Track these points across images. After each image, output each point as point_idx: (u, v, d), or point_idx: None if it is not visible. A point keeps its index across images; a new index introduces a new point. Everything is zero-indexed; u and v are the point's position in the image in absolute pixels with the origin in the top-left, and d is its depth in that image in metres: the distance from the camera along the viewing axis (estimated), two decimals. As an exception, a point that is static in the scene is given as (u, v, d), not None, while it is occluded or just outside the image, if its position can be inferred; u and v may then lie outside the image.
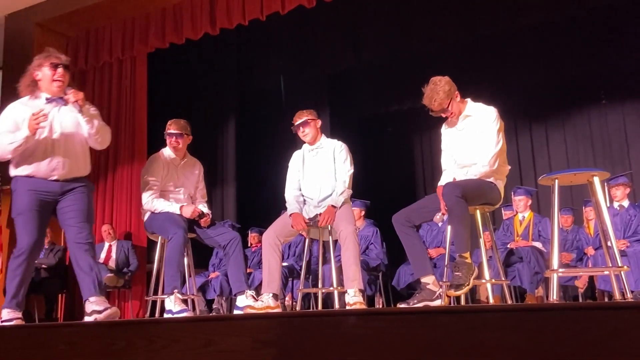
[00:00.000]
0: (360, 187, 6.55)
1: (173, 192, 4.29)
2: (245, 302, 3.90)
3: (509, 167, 3.70)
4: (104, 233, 6.80)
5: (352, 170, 4.16)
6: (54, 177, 3.41)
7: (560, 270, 3.05)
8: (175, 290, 3.86)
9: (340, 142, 4.22)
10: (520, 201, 5.88)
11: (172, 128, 4.26)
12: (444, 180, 3.74)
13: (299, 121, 4.15)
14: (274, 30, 7.30)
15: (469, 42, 7.17)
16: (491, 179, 3.57)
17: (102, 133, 3.52)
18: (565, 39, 7.30)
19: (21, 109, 3.42)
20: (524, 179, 7.96)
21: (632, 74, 7.42)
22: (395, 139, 9.07)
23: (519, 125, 8.34)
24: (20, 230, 3.38)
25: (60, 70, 3.42)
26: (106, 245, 6.79)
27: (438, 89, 3.56)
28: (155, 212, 4.17)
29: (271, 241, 3.99)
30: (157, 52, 7.02)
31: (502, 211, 6.56)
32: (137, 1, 6.61)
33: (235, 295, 4.07)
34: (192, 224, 4.22)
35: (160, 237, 4.26)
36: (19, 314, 3.39)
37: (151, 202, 4.17)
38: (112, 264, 6.64)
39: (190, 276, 4.47)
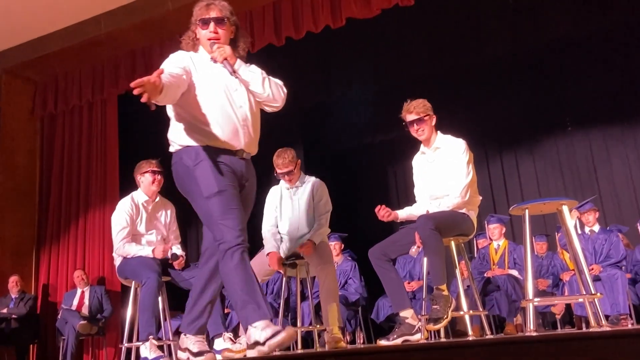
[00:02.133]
0: (337, 221, 6.55)
1: (145, 235, 4.23)
2: (222, 345, 3.81)
3: (480, 198, 3.76)
4: (77, 279, 6.64)
5: (330, 209, 4.16)
6: (238, 148, 2.66)
7: (536, 300, 3.07)
8: (151, 337, 3.77)
9: (319, 180, 4.22)
10: (495, 229, 5.94)
11: (155, 166, 4.24)
12: (417, 212, 3.77)
13: (284, 170, 4.09)
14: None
15: (438, 74, 7.32)
16: (463, 210, 3.61)
17: (274, 89, 2.75)
18: (529, 69, 7.51)
19: (187, 55, 2.75)
20: (497, 208, 8.05)
21: (594, 100, 7.65)
22: (369, 172, 9.13)
23: (489, 155, 8.48)
24: (224, 216, 2.48)
25: (211, 26, 2.71)
26: (79, 291, 6.62)
27: (419, 102, 3.71)
28: (128, 257, 4.10)
29: (247, 281, 3.93)
30: (128, 93, 7.00)
31: (475, 240, 6.61)
32: (106, 44, 6.63)
33: (212, 338, 3.99)
34: (166, 266, 4.16)
35: (133, 282, 4.18)
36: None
37: (122, 247, 4.10)
38: (85, 310, 6.46)
39: (165, 320, 4.38)
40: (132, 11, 6.27)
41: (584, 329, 4.88)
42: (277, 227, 4.16)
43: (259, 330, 2.29)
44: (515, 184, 8.34)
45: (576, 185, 7.89)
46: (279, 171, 4.11)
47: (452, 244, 3.74)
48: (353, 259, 6.45)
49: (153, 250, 4.09)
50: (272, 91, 2.72)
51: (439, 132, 3.79)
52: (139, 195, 4.27)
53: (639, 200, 7.55)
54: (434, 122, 3.74)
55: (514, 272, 5.56)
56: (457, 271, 3.82)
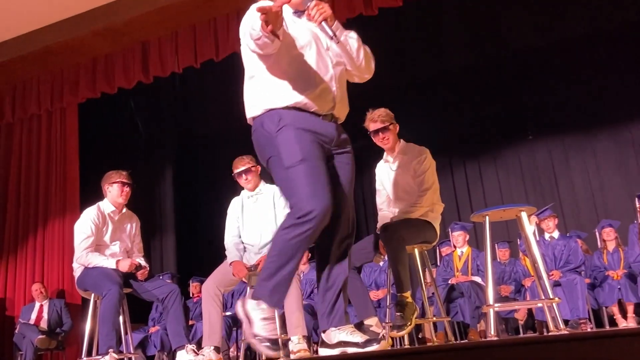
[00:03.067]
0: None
1: (109, 246, 4.15)
2: (185, 357, 3.76)
3: (443, 205, 3.79)
4: (35, 292, 6.44)
5: None
6: (327, 111, 2.34)
7: (496, 305, 3.11)
8: (111, 350, 3.69)
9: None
10: (459, 237, 6.02)
11: (125, 178, 4.16)
12: (381, 221, 3.80)
13: (241, 168, 4.09)
14: (211, 76, 7.32)
15: (401, 83, 7.40)
16: (427, 218, 3.64)
17: (366, 59, 2.44)
18: (492, 79, 7.67)
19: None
20: (461, 215, 8.16)
21: (554, 110, 7.85)
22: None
23: (453, 164, 8.59)
24: (305, 185, 2.16)
25: None
26: (37, 305, 6.42)
27: (382, 111, 3.74)
28: (89, 266, 4.00)
29: (211, 291, 3.90)
30: (90, 102, 6.88)
31: (439, 248, 6.68)
32: (66, 52, 6.49)
33: (175, 350, 3.92)
34: (128, 278, 4.08)
35: (93, 295, 4.08)
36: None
37: (85, 256, 4.01)
38: (43, 324, 6.27)
39: (126, 334, 4.28)
40: (94, 18, 6.16)
41: (545, 334, 4.97)
42: (240, 237, 4.12)
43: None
44: (478, 192, 8.47)
45: (537, 192, 8.06)
46: (235, 171, 4.09)
47: (416, 251, 3.76)
48: (319, 268, 6.43)
49: (117, 263, 4.00)
50: (365, 61, 2.44)
51: (402, 140, 3.82)
52: (105, 205, 4.19)
53: (597, 207, 7.75)
54: (397, 131, 3.78)
55: (477, 279, 5.63)
56: (421, 278, 3.84)
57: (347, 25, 5.90)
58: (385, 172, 3.87)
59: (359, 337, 2.21)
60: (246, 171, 4.07)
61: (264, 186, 4.19)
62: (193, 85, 7.57)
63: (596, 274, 5.90)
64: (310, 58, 2.33)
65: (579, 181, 7.91)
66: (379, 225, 3.79)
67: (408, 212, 3.61)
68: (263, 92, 2.33)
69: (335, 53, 2.40)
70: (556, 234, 5.80)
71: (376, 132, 3.72)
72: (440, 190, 3.78)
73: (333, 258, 2.30)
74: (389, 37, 6.72)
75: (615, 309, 5.61)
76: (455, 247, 6.09)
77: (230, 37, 5.69)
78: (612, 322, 5.67)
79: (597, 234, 6.23)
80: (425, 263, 3.87)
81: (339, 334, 2.24)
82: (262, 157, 2.37)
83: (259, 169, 4.17)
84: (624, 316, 5.59)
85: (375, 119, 3.71)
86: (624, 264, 5.79)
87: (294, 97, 2.29)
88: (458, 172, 8.59)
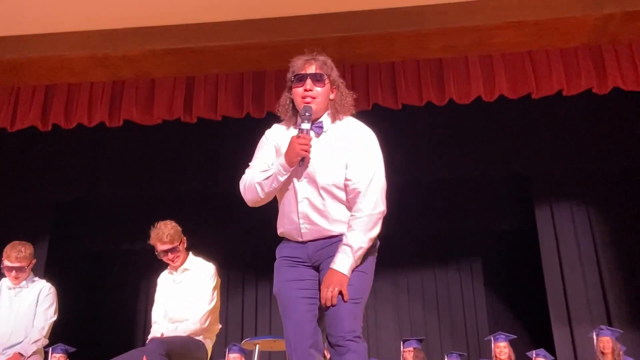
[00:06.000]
0: (72, 329, 5.87)
1: None
2: None
3: (220, 326, 3.72)
4: None
5: (54, 318, 3.77)
6: (301, 241, 2.34)
7: None
8: None
9: (49, 285, 3.86)
10: (234, 359, 5.86)
11: None
12: (152, 334, 3.58)
13: (16, 265, 3.64)
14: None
15: (204, 192, 7.38)
16: (200, 337, 3.53)
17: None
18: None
19: (281, 130, 2.39)
20: (244, 337, 8.01)
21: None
22: (120, 280, 8.52)
23: (246, 281, 8.55)
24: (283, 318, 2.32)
25: (309, 82, 2.26)
26: None
27: (169, 227, 3.59)
28: None
29: None
30: None
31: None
32: None
33: None
34: None
35: None
36: None
37: None
38: None
39: None
40: None
41: None
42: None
43: None
44: (265, 316, 8.44)
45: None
46: (7, 264, 3.66)
47: (183, 372, 3.54)
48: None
49: None
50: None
51: (190, 253, 3.73)
52: None
53: (371, 344, 8.19)
54: (185, 246, 3.67)
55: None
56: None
57: (166, 126, 5.75)
58: (167, 284, 3.73)
59: None
60: (19, 269, 3.63)
61: (31, 280, 3.77)
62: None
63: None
64: (284, 186, 2.34)
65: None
66: (148, 338, 3.55)
67: (182, 329, 3.46)
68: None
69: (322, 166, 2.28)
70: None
71: (165, 252, 3.58)
72: (229, 308, 3.70)
73: None
74: (201, 145, 6.75)
75: None
76: (230, 368, 5.89)
77: (32, 111, 5.22)
78: None
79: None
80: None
81: None
82: None
83: (34, 261, 3.75)
84: None
85: (165, 240, 3.56)
86: (384, 404, 6.06)
87: (279, 226, 2.41)
88: (249, 292, 8.54)
